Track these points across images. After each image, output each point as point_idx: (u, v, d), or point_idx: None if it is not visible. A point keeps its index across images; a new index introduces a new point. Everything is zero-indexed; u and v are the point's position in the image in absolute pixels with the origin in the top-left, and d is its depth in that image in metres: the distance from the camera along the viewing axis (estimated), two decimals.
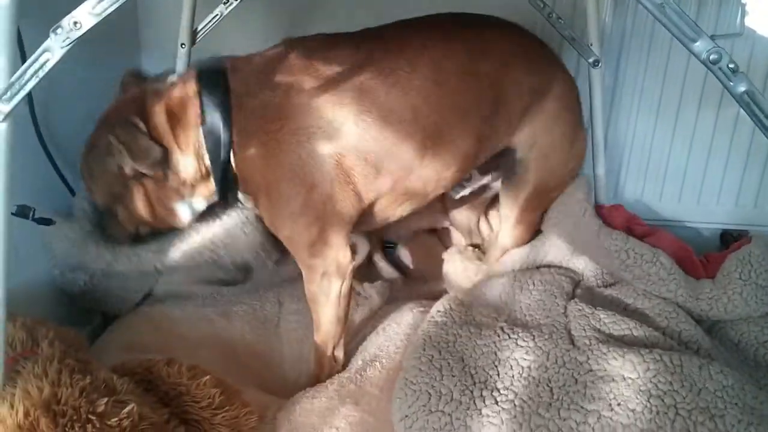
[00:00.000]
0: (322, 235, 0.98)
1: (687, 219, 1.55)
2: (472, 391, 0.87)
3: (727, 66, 0.57)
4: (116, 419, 0.74)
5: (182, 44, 1.26)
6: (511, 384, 0.88)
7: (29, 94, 1.00)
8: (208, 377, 0.90)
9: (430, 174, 1.05)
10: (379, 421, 0.91)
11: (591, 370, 0.90)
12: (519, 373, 0.91)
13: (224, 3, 1.25)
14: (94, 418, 0.73)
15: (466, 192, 1.27)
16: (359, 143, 0.97)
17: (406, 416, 0.86)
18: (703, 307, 1.11)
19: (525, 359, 0.92)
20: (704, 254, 1.27)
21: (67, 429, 0.71)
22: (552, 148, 1.16)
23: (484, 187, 1.30)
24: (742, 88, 0.58)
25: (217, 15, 1.26)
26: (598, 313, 1.04)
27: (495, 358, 0.94)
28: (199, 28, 1.27)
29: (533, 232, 1.25)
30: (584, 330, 1.00)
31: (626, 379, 0.87)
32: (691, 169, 1.52)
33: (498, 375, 0.90)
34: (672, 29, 0.57)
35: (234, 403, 0.90)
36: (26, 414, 0.70)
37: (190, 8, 1.24)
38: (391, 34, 1.03)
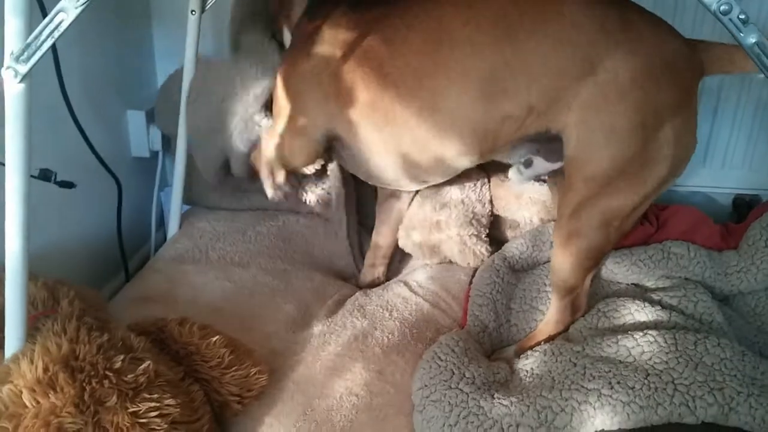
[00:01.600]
0: None
1: (698, 184, 1.55)
2: (491, 382, 0.91)
3: (738, 17, 0.57)
4: (132, 375, 0.77)
5: (192, 11, 1.26)
6: (520, 382, 0.92)
7: (56, 58, 1.05)
8: (218, 337, 0.92)
9: (424, 138, 0.98)
10: (383, 382, 0.94)
11: (588, 356, 0.92)
12: (523, 367, 0.95)
13: None
14: (110, 374, 0.75)
15: (526, 179, 1.08)
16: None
17: (425, 386, 0.90)
18: (734, 282, 1.13)
19: (526, 361, 0.96)
20: (724, 224, 1.27)
21: (84, 384, 0.73)
22: (610, 137, 0.88)
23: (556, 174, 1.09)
24: (752, 39, 0.57)
25: None
26: (596, 305, 1.06)
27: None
28: None
29: (588, 266, 0.98)
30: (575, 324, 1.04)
31: (623, 362, 0.89)
32: (699, 133, 1.51)
33: (512, 371, 0.95)
34: None
35: (244, 363, 0.92)
36: (45, 369, 0.73)
37: None
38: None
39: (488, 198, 1.30)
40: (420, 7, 0.96)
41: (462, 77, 0.92)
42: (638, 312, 1.01)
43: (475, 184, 1.28)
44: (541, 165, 1.03)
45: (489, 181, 1.31)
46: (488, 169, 1.29)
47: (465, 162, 1.02)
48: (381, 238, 1.31)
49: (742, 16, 0.57)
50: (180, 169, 1.36)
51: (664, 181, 0.90)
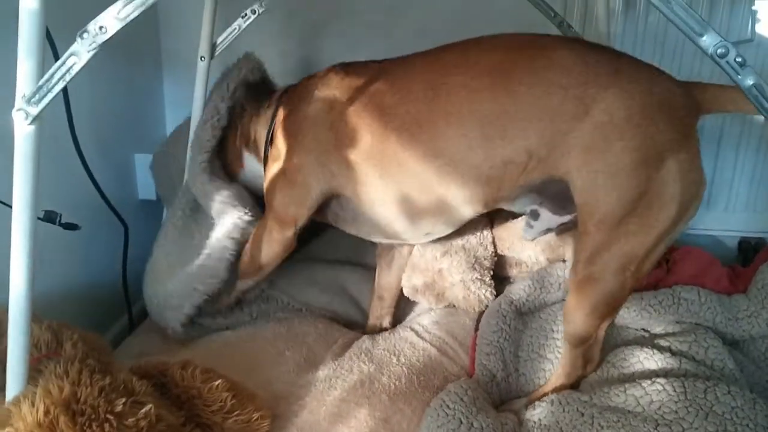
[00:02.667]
0: None
1: (703, 227, 1.55)
2: None
3: (735, 60, 0.57)
4: (133, 419, 0.75)
5: (202, 57, 1.29)
6: None
7: (66, 101, 1.07)
8: (220, 381, 0.92)
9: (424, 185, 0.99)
10: (389, 431, 0.93)
11: (595, 405, 0.90)
12: (531, 418, 0.93)
13: (242, 17, 1.28)
14: (111, 417, 0.74)
15: (535, 233, 1.06)
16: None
17: None
18: (744, 327, 1.11)
19: (533, 412, 0.95)
20: (731, 266, 1.27)
21: (85, 427, 0.72)
22: (614, 178, 0.87)
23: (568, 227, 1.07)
24: (750, 81, 0.58)
25: (235, 29, 1.29)
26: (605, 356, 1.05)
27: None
28: (218, 42, 1.30)
29: (603, 314, 0.95)
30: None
31: (632, 412, 0.87)
32: None
33: (520, 422, 0.94)
34: (679, 24, 0.57)
35: (246, 407, 0.91)
36: (46, 412, 0.72)
37: (210, 22, 1.28)
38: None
39: (490, 240, 1.29)
40: (418, 57, 1.00)
41: (460, 123, 0.93)
42: (647, 360, 0.99)
43: (475, 228, 1.29)
44: (548, 217, 1.01)
45: (491, 223, 1.32)
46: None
47: (469, 211, 1.01)
48: (384, 289, 1.30)
49: (739, 59, 0.58)
50: None
51: (675, 221, 0.88)
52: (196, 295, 1.14)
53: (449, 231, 1.10)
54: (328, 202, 1.11)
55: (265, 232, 1.15)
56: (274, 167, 1.12)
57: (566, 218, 1.00)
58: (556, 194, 0.94)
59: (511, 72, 0.91)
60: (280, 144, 1.12)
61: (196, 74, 1.30)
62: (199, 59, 1.29)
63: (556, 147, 0.89)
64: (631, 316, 1.13)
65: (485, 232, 1.29)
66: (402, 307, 1.33)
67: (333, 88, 1.06)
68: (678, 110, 0.87)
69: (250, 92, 1.24)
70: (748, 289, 1.18)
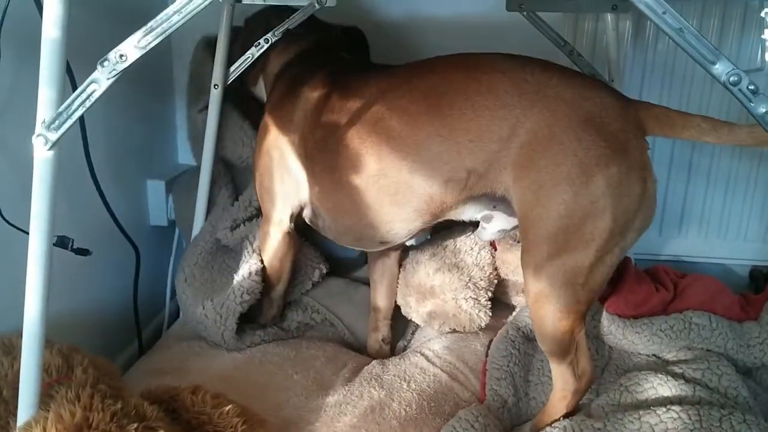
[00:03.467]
0: None
1: (714, 256, 1.54)
2: None
3: (747, 87, 0.57)
4: None
5: (215, 85, 1.31)
6: None
7: (83, 128, 1.09)
8: (231, 406, 0.91)
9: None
10: None
11: None
12: None
13: (255, 46, 1.30)
14: None
15: (489, 234, 1.09)
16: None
17: None
18: (756, 354, 1.11)
19: None
20: (742, 294, 1.26)
21: None
22: (541, 194, 0.90)
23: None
24: (763, 109, 0.58)
25: (248, 57, 1.31)
26: (618, 380, 1.04)
27: None
28: (232, 70, 1.32)
29: (567, 326, 0.94)
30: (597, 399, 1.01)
31: None
32: (713, 205, 1.52)
33: None
34: (691, 53, 0.58)
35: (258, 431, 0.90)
36: None
37: (224, 50, 1.30)
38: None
39: (488, 261, 1.30)
40: (372, 79, 1.08)
41: (400, 147, 0.98)
42: (661, 386, 0.98)
43: (471, 249, 1.30)
44: (503, 219, 1.04)
45: (494, 246, 1.32)
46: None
47: (418, 222, 1.05)
48: (379, 300, 1.31)
49: (752, 87, 0.58)
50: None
51: (614, 233, 0.88)
52: (238, 310, 1.19)
53: (401, 241, 1.14)
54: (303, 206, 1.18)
55: (262, 233, 1.24)
56: (258, 169, 1.22)
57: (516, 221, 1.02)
58: (506, 199, 0.97)
59: (444, 96, 0.96)
60: (263, 146, 1.20)
61: (210, 102, 1.32)
62: (212, 87, 1.31)
63: (491, 164, 0.93)
64: (642, 341, 1.12)
65: (483, 253, 1.30)
66: (410, 334, 1.33)
67: (311, 100, 1.13)
68: (609, 125, 0.89)
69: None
70: (759, 316, 1.17)
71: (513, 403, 1.03)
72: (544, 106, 0.90)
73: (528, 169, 0.90)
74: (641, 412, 0.91)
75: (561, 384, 0.99)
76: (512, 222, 1.03)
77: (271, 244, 1.23)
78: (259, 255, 1.24)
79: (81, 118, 1.08)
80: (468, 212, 1.03)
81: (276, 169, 1.17)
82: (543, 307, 0.93)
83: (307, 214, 1.19)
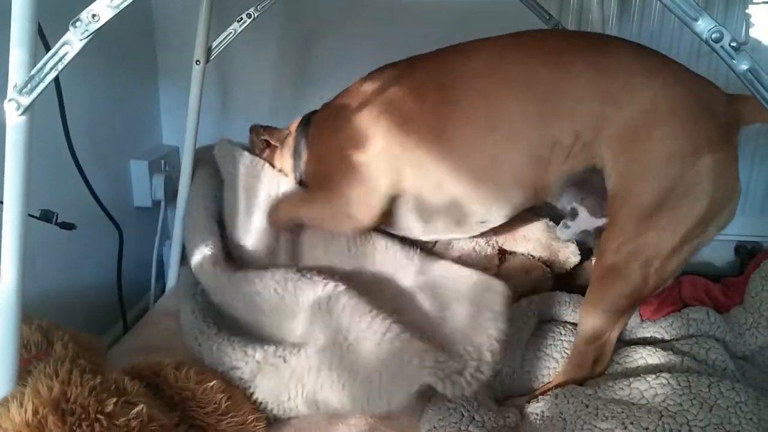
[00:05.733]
0: None
1: None
2: (501, 426, 0.89)
3: (729, 44, 0.57)
4: (124, 419, 0.74)
5: (197, 61, 1.29)
6: (530, 425, 0.90)
7: (62, 106, 1.07)
8: (215, 382, 0.91)
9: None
10: (389, 427, 0.92)
11: (600, 398, 0.90)
12: (533, 411, 0.93)
13: (238, 21, 1.28)
14: (102, 417, 0.72)
15: (571, 234, 1.06)
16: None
17: (434, 428, 0.87)
18: (749, 341, 1.11)
19: (536, 405, 0.94)
20: (722, 281, 1.27)
21: (74, 427, 0.70)
22: (649, 166, 0.89)
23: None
24: (744, 66, 0.57)
25: (231, 32, 1.29)
26: None
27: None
28: (214, 46, 1.30)
29: (620, 308, 0.94)
30: None
31: (636, 404, 0.87)
32: None
33: (522, 416, 0.93)
34: (674, 9, 0.57)
35: (241, 410, 0.90)
36: (35, 412, 0.70)
37: (205, 26, 1.28)
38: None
39: (494, 239, 1.29)
40: (475, 43, 1.04)
41: (518, 97, 0.96)
42: (650, 356, 0.99)
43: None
44: (586, 218, 1.02)
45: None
46: None
47: (520, 195, 1.02)
48: None
49: (734, 44, 0.57)
50: (180, 221, 1.35)
51: (704, 220, 0.89)
52: None
53: (502, 220, 1.10)
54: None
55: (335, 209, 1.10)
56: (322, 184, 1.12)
57: (603, 221, 1.00)
58: (596, 191, 0.95)
59: (564, 53, 0.95)
60: (328, 165, 1.10)
61: (192, 79, 1.30)
62: (194, 63, 1.29)
63: (600, 131, 0.91)
64: (643, 337, 1.12)
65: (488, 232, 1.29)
66: None
67: (375, 95, 1.07)
68: (719, 115, 0.89)
69: (258, 134, 1.24)
70: (743, 299, 1.18)
71: (507, 374, 1.02)
72: (667, 80, 0.90)
73: (639, 139, 0.89)
74: (631, 379, 0.91)
75: (575, 365, 0.99)
76: (595, 223, 1.02)
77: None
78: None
79: (60, 96, 1.08)
80: (563, 199, 1.02)
81: (359, 171, 1.06)
82: (608, 284, 0.92)
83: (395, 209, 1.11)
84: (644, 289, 0.92)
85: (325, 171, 1.12)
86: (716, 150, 0.87)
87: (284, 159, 1.21)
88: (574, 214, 1.02)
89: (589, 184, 0.97)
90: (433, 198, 1.05)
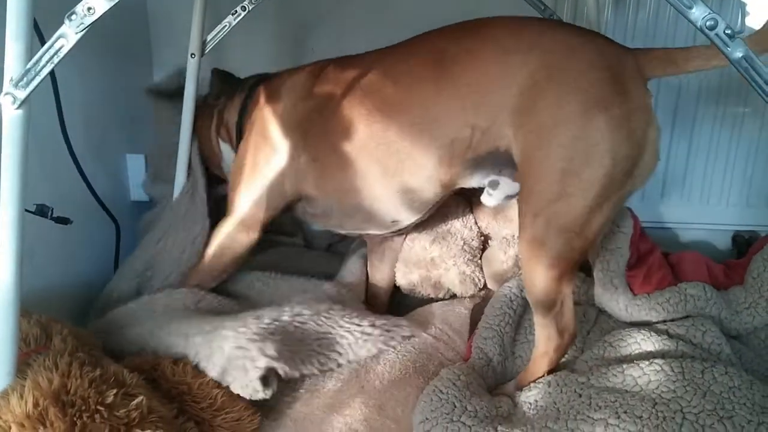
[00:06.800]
0: None
1: (696, 221, 1.55)
2: (493, 416, 0.89)
3: (724, 32, 0.57)
4: (124, 411, 0.74)
5: (192, 54, 1.29)
6: (524, 415, 0.90)
7: (58, 100, 1.06)
8: (210, 377, 0.91)
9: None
10: (384, 418, 0.92)
11: (593, 386, 0.90)
12: (526, 399, 0.93)
13: (232, 14, 1.28)
14: (102, 408, 0.73)
15: (495, 200, 1.07)
16: None
17: (427, 419, 0.88)
18: (746, 319, 1.12)
19: (529, 393, 0.94)
20: (724, 262, 1.28)
21: (75, 419, 0.71)
22: (542, 136, 0.89)
23: None
24: (739, 54, 0.58)
25: (225, 25, 1.29)
26: (602, 337, 1.05)
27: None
28: (208, 39, 1.30)
29: (557, 275, 0.93)
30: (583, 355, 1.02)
31: (629, 392, 0.87)
32: (695, 171, 1.53)
33: (515, 405, 0.93)
34: None
35: (237, 405, 0.90)
36: (35, 404, 0.71)
37: (200, 19, 1.27)
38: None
39: (473, 221, 1.30)
40: (378, 52, 1.08)
41: (407, 109, 0.99)
42: (644, 341, 1.00)
43: (456, 211, 1.29)
44: (508, 185, 1.03)
45: (470, 205, 1.32)
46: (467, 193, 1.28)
47: (429, 193, 1.04)
48: (378, 286, 1.31)
49: (728, 31, 0.58)
50: None
51: (612, 179, 0.87)
52: None
53: (415, 218, 1.11)
54: (296, 200, 1.13)
55: (226, 236, 1.16)
56: (241, 165, 1.14)
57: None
58: (510, 162, 0.96)
59: (445, 52, 0.96)
60: (250, 140, 1.14)
61: (187, 71, 1.29)
62: (189, 56, 1.28)
63: (494, 116, 0.93)
64: (640, 314, 1.12)
65: (467, 214, 1.30)
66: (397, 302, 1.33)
67: (303, 89, 1.10)
68: (608, 68, 0.88)
69: (221, 80, 1.28)
70: (744, 279, 1.19)
71: (498, 362, 1.03)
72: (542, 50, 0.90)
73: (528, 114, 0.89)
74: (625, 366, 0.92)
75: (544, 339, 0.98)
76: (517, 187, 1.01)
77: (238, 243, 1.15)
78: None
79: (56, 90, 1.08)
80: (476, 178, 1.02)
81: (264, 168, 1.11)
82: (536, 255, 0.92)
83: (300, 208, 1.16)
84: (572, 254, 0.92)
85: (243, 152, 1.15)
86: (609, 107, 0.85)
87: (231, 114, 1.25)
88: (495, 184, 1.03)
89: (500, 160, 0.97)
90: (339, 201, 1.09)
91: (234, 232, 1.15)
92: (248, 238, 1.15)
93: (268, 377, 0.89)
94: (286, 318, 1.00)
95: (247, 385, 0.88)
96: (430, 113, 0.97)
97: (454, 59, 0.95)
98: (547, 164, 0.88)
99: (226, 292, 1.19)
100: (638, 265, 1.18)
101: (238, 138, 1.22)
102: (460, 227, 1.28)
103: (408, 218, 1.11)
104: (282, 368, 0.90)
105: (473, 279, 1.23)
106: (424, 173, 1.00)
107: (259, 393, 0.88)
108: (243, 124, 1.21)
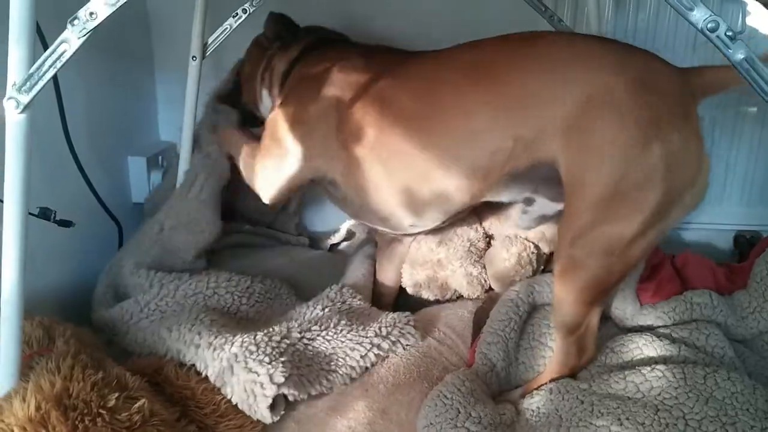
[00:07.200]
0: None
1: (698, 221, 1.55)
2: (497, 423, 0.89)
3: (725, 34, 0.57)
4: (127, 414, 0.75)
5: (193, 57, 1.29)
6: (527, 422, 0.90)
7: (60, 103, 1.07)
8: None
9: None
10: (387, 422, 0.92)
11: (595, 393, 0.90)
12: (528, 407, 0.93)
13: (233, 16, 1.28)
14: (104, 412, 0.73)
15: (529, 220, 1.06)
16: None
17: (431, 424, 0.87)
18: (751, 324, 1.11)
19: (531, 400, 0.94)
20: (725, 265, 1.26)
21: (77, 422, 0.71)
22: (597, 156, 0.85)
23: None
24: (740, 56, 0.57)
25: (226, 28, 1.29)
26: (604, 343, 1.04)
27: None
28: (210, 42, 1.30)
29: (589, 300, 0.92)
30: None
31: (632, 398, 0.87)
32: None
33: (518, 412, 0.93)
34: (669, 0, 0.58)
35: (240, 412, 0.89)
36: (37, 407, 0.71)
37: (201, 22, 1.27)
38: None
39: (478, 222, 1.30)
40: (420, 58, 1.05)
41: (449, 118, 0.96)
42: (646, 347, 0.99)
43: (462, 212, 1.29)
44: (544, 204, 1.01)
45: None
46: None
47: (459, 200, 1.01)
48: (384, 286, 1.31)
49: (729, 33, 0.57)
50: None
51: (663, 206, 0.85)
52: None
53: (434, 224, 1.11)
54: (322, 178, 1.12)
55: (257, 165, 1.15)
56: (276, 121, 1.13)
57: (563, 205, 0.96)
58: (549, 179, 0.93)
59: (493, 64, 0.94)
60: (291, 101, 1.13)
61: (188, 75, 1.30)
62: (190, 59, 1.29)
63: (541, 130, 0.89)
64: (647, 322, 1.11)
65: (472, 216, 1.30)
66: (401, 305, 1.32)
67: (343, 85, 1.07)
68: (670, 93, 0.86)
69: (280, 24, 1.26)
70: (747, 284, 1.18)
71: (502, 367, 1.02)
72: (603, 68, 0.86)
73: (581, 132, 0.86)
74: (626, 372, 0.91)
75: (561, 357, 0.98)
76: (554, 207, 1.00)
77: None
78: None
79: (57, 92, 1.08)
80: (510, 193, 1.00)
81: (296, 138, 1.09)
82: (571, 276, 0.90)
83: (323, 185, 1.15)
84: (609, 278, 0.90)
85: (273, 122, 1.13)
86: (668, 133, 0.83)
87: (281, 62, 1.23)
88: (530, 202, 1.01)
89: (539, 175, 0.94)
90: (363, 197, 1.08)
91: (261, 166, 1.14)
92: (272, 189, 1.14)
93: (276, 402, 0.89)
94: (295, 335, 0.99)
95: (256, 412, 0.88)
96: (473, 122, 0.94)
97: (502, 70, 0.93)
98: (598, 185, 0.85)
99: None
100: (650, 278, 1.17)
101: (280, 88, 1.22)
102: (466, 228, 1.28)
103: (428, 224, 1.10)
104: (291, 394, 0.90)
105: (480, 280, 1.23)
106: (456, 182, 0.98)
107: (267, 419, 0.88)
108: (288, 76, 1.20)
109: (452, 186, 0.99)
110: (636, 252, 0.88)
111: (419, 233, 1.21)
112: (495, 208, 1.26)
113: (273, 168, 1.12)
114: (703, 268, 1.23)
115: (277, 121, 1.12)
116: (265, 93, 1.27)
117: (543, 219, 1.04)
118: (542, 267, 1.26)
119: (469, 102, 0.94)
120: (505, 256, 1.23)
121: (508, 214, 1.28)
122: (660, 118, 0.84)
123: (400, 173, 1.01)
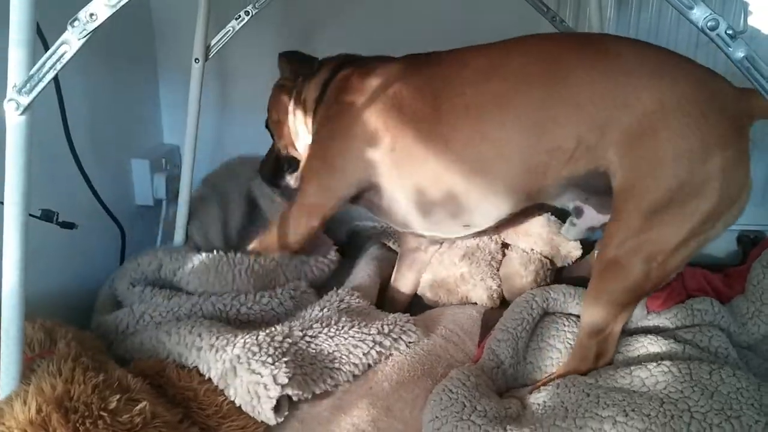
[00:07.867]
0: None
1: None
2: (503, 416, 0.89)
3: (725, 32, 0.57)
4: (128, 416, 0.75)
5: (196, 59, 1.29)
6: (533, 415, 0.90)
7: (62, 105, 1.07)
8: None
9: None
10: (392, 419, 0.92)
11: (601, 387, 0.90)
12: (535, 401, 0.93)
13: (236, 19, 1.28)
14: (105, 414, 0.73)
15: (578, 232, 1.06)
16: None
17: (437, 417, 0.87)
18: (752, 330, 1.11)
19: (538, 395, 0.94)
20: (722, 271, 1.26)
21: (78, 425, 0.71)
22: (656, 165, 0.87)
23: None
24: (741, 54, 0.57)
25: (229, 30, 1.29)
26: None
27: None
28: (212, 44, 1.30)
29: (622, 302, 0.94)
30: None
31: (637, 392, 0.87)
32: None
33: (523, 407, 0.93)
34: None
35: (243, 413, 0.89)
36: (38, 410, 0.71)
37: (204, 24, 1.27)
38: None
39: (497, 233, 1.30)
40: (473, 49, 1.04)
41: (513, 107, 0.96)
42: (651, 345, 0.99)
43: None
44: (592, 216, 1.02)
45: None
46: None
47: (512, 201, 1.02)
48: (399, 292, 1.31)
49: (730, 32, 0.57)
50: (182, 220, 1.35)
51: (710, 218, 0.88)
52: None
53: (486, 225, 1.09)
54: (365, 190, 1.11)
55: (293, 217, 1.15)
56: (316, 151, 1.13)
57: (608, 217, 0.98)
58: (600, 190, 0.94)
59: (563, 58, 0.94)
60: (328, 126, 1.12)
61: (191, 77, 1.30)
62: (193, 61, 1.29)
63: (604, 134, 0.90)
64: (647, 326, 1.11)
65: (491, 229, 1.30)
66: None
67: (384, 85, 1.07)
68: (728, 110, 0.88)
69: (293, 61, 1.26)
70: (745, 288, 1.18)
71: (510, 365, 1.02)
72: (673, 77, 0.88)
73: (645, 139, 0.88)
74: (632, 367, 0.91)
75: (578, 357, 0.98)
76: (602, 219, 1.01)
77: (301, 225, 1.15)
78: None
79: (59, 95, 1.08)
80: (563, 198, 1.01)
81: (339, 157, 1.09)
82: (612, 276, 0.92)
83: (366, 199, 1.13)
84: (646, 284, 0.92)
85: (320, 137, 1.14)
86: (726, 147, 0.86)
87: (310, 91, 1.20)
88: (579, 212, 1.03)
89: (593, 184, 0.96)
90: (416, 196, 1.06)
91: (298, 215, 1.15)
92: (309, 223, 1.14)
93: (280, 402, 0.88)
94: (297, 333, 0.99)
95: (260, 413, 0.88)
96: (539, 114, 0.94)
97: (571, 66, 0.93)
98: (657, 191, 0.87)
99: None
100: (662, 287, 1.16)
101: (314, 115, 1.20)
102: (488, 241, 1.29)
103: (481, 224, 1.09)
104: (295, 394, 0.89)
105: (499, 293, 1.24)
106: (514, 176, 0.98)
107: (271, 421, 0.88)
108: (321, 102, 1.18)
109: (510, 181, 0.99)
110: (675, 261, 0.91)
111: (469, 235, 1.20)
112: (515, 221, 1.26)
113: (322, 187, 1.13)
114: (696, 279, 1.22)
115: (321, 140, 1.13)
116: (301, 128, 1.24)
117: (590, 231, 1.05)
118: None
119: (536, 96, 0.94)
120: (523, 273, 1.24)
121: (527, 228, 1.28)
122: (722, 131, 0.87)
123: (457, 166, 1.00)
